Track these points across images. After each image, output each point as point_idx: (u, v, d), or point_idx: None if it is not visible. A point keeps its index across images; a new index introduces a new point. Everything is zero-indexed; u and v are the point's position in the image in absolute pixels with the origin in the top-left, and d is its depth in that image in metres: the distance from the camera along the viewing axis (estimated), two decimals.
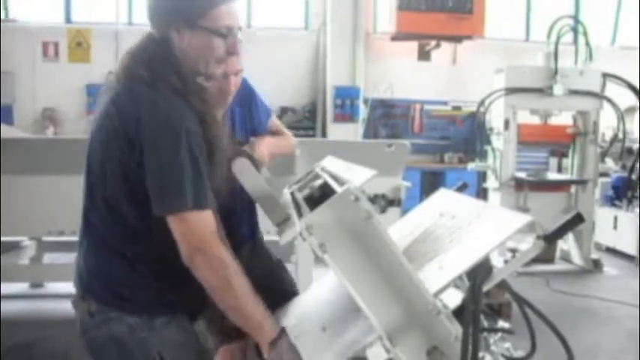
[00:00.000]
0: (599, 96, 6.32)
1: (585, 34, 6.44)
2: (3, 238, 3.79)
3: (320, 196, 1.43)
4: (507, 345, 1.54)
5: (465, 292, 1.22)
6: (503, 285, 1.35)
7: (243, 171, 1.75)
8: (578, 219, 1.27)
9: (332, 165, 1.60)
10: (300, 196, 1.47)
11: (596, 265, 6.41)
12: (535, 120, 6.71)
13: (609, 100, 6.35)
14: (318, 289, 1.84)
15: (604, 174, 6.97)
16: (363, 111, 9.39)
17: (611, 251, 7.07)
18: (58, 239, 4.33)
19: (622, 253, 6.91)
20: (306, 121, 9.64)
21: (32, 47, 9.05)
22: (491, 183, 6.52)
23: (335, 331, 1.43)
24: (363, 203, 1.19)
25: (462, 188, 1.80)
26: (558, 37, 6.21)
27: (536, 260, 6.38)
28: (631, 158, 6.83)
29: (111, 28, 9.02)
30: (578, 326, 4.40)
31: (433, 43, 8.83)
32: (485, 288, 1.22)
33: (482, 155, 6.61)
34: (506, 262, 1.83)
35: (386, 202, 3.78)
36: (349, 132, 9.12)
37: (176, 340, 1.60)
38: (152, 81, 1.52)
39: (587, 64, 6.50)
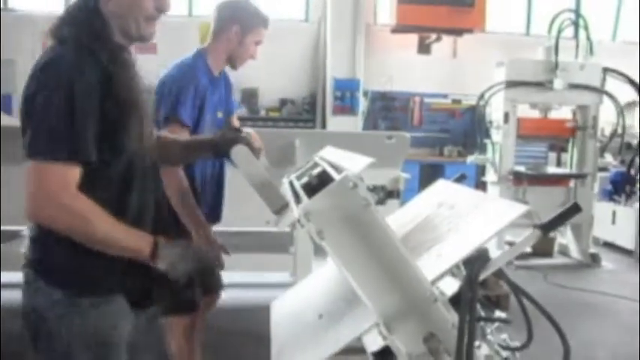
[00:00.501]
0: (599, 90, 6.33)
1: (586, 28, 6.44)
2: (3, 227, 3.78)
3: (318, 183, 1.43)
4: (504, 336, 1.55)
5: (462, 280, 1.23)
6: (499, 274, 1.36)
7: (241, 158, 1.75)
8: (575, 209, 1.28)
9: (331, 154, 1.60)
10: (298, 184, 1.48)
11: (594, 259, 6.44)
12: (535, 114, 6.71)
13: (609, 95, 6.35)
14: (317, 279, 1.85)
15: (603, 169, 6.98)
16: (362, 103, 9.36)
17: (609, 246, 7.09)
18: None
19: (620, 247, 6.95)
20: (306, 113, 9.63)
21: (32, 36, 9.02)
22: (490, 176, 6.53)
23: (332, 318, 1.44)
24: (361, 190, 1.19)
25: (460, 179, 1.81)
26: (559, 31, 6.20)
27: (535, 254, 6.44)
28: (630, 153, 6.84)
29: None
30: (575, 320, 4.41)
31: (434, 36, 8.80)
32: (482, 276, 1.23)
33: (482, 149, 6.62)
34: None
35: (385, 194, 3.79)
36: (349, 124, 9.07)
37: (97, 325, 1.55)
38: (65, 39, 1.53)
39: (587, 58, 6.50)
